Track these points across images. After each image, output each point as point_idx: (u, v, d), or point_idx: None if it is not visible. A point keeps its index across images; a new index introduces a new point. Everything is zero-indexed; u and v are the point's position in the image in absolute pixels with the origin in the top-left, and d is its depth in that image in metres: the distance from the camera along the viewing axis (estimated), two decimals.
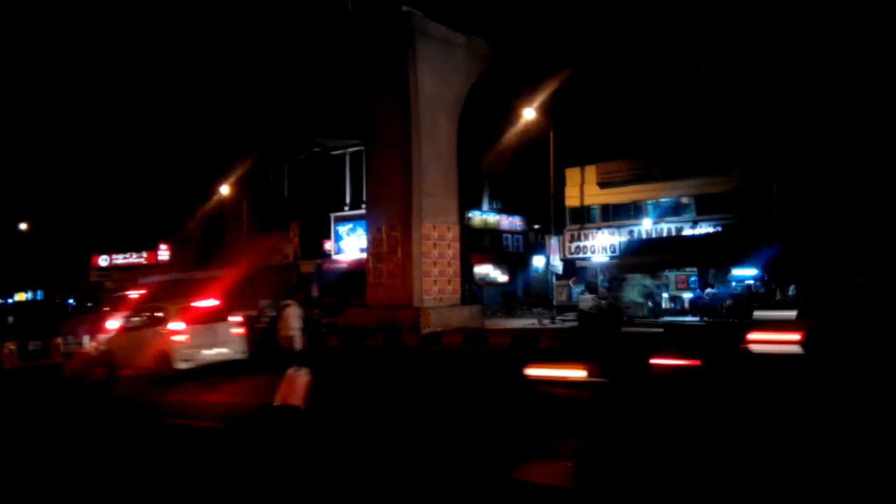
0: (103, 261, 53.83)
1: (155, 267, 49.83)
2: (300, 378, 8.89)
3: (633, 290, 32.10)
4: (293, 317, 10.95)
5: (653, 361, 7.30)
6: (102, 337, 16.65)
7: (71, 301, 51.53)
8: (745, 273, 28.79)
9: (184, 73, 38.57)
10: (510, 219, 43.48)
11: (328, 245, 41.57)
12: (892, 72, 30.27)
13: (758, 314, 19.16)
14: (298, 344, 10.72)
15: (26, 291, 56.90)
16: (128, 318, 16.52)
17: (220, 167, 42.43)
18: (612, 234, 32.91)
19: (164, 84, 40.16)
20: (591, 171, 34.35)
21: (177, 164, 45.91)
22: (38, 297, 54.94)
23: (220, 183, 42.66)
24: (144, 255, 51.93)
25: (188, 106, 40.95)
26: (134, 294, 25.30)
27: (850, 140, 31.10)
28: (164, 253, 50.56)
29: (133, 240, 51.61)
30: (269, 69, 34.31)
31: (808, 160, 31.43)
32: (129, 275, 51.87)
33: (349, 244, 40.07)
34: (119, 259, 53.39)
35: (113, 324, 16.81)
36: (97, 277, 53.74)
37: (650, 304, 30.60)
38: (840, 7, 30.51)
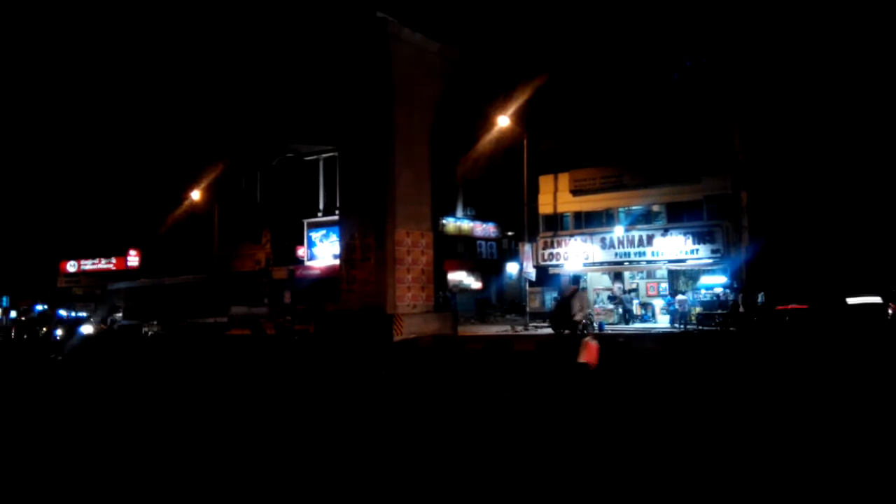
0: (71, 266, 52.92)
1: (124, 273, 49.13)
2: (593, 344, 12.25)
3: (602, 297, 32.33)
4: (585, 300, 15.74)
5: None
6: None
7: (38, 308, 50.58)
8: (715, 281, 29.14)
9: (156, 77, 38.12)
10: (484, 225, 43.55)
11: (301, 251, 41.29)
12: (859, 83, 30.96)
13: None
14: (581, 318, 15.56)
15: None
16: None
17: (192, 172, 41.95)
18: (585, 241, 33.11)
19: (135, 87, 39.66)
20: (564, 179, 34.54)
21: (147, 169, 45.33)
22: (4, 304, 53.75)
23: (191, 188, 42.17)
24: (114, 260, 51.14)
25: (160, 110, 40.46)
26: None
27: (820, 149, 31.72)
28: (133, 259, 49.85)
29: (102, 245, 50.82)
30: (243, 74, 34.05)
31: (778, 169, 32.00)
32: (98, 281, 51.13)
33: (322, 250, 39.83)
34: (88, 265, 52.52)
35: None
36: (65, 283, 52.83)
37: (620, 310, 30.79)
38: (808, 21, 31.14)
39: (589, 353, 12.07)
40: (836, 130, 31.99)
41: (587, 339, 12.56)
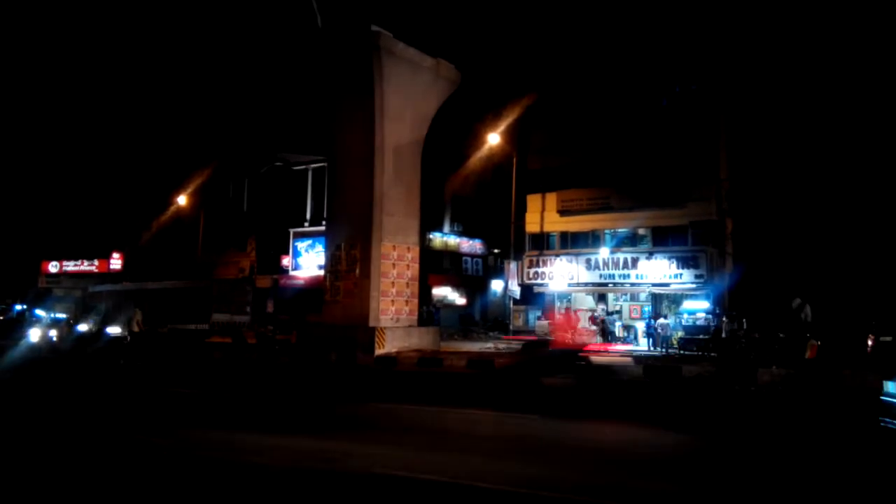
0: (53, 267, 52.41)
1: (106, 275, 48.71)
2: (814, 344, 17.02)
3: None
4: (808, 311, 19.66)
5: None
6: None
7: (17, 308, 49.98)
8: (697, 306, 29.30)
9: (147, 80, 38.05)
10: (470, 242, 43.63)
11: (286, 261, 41.10)
12: (845, 112, 31.40)
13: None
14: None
15: None
16: None
17: (179, 177, 41.77)
18: (570, 261, 33.25)
19: (126, 89, 39.56)
20: (551, 199, 34.72)
21: (134, 172, 45.08)
22: None
23: (177, 193, 41.97)
24: (96, 262, 50.69)
25: (149, 113, 40.34)
26: None
27: (806, 181, 32.05)
28: (116, 262, 49.41)
29: (85, 247, 50.36)
30: (235, 81, 34.06)
31: (764, 198, 32.29)
32: (80, 282, 50.63)
33: (307, 261, 39.67)
34: (70, 266, 52.02)
35: None
36: (46, 284, 52.31)
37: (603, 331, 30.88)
38: (797, 49, 31.60)
39: (812, 351, 16.90)
40: (823, 162, 32.37)
41: (811, 341, 17.20)
